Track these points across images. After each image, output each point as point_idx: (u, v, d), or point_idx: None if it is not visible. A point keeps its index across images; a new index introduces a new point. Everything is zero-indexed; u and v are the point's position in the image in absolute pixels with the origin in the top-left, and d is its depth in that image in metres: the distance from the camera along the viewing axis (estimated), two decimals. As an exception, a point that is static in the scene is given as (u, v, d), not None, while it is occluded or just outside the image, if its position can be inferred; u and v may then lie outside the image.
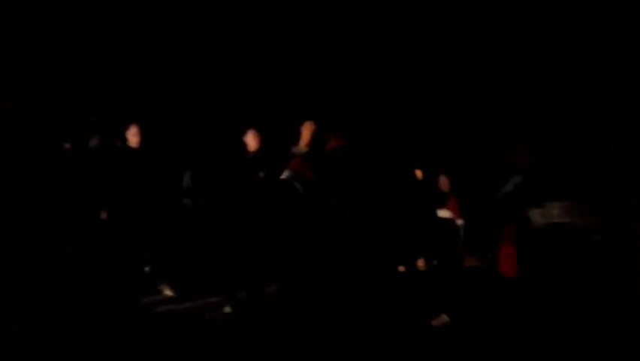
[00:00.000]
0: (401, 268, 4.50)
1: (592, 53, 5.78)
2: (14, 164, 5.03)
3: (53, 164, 5.11)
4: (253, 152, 4.70)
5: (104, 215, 4.66)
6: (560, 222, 4.32)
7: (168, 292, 4.60)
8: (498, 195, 4.40)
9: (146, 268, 4.72)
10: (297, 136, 4.50)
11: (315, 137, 4.40)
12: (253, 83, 6.29)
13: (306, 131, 4.39)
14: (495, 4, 6.18)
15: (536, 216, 4.37)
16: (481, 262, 4.42)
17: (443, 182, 4.81)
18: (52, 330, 3.69)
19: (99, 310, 4.00)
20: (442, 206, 4.78)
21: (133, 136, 4.80)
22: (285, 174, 4.33)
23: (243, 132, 4.78)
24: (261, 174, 4.54)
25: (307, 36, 6.33)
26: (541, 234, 4.33)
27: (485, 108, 6.44)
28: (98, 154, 4.97)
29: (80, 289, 4.30)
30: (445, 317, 4.09)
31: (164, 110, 5.97)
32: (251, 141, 4.71)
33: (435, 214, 4.62)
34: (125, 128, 4.81)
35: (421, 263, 4.46)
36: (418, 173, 4.61)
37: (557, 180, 4.37)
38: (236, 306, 4.30)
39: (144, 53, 6.14)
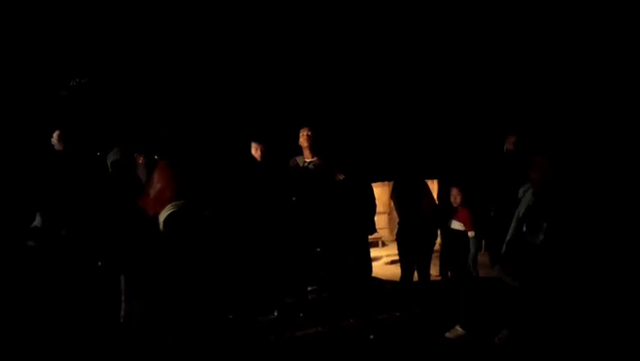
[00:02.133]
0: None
1: (591, 53, 5.81)
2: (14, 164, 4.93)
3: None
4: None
5: None
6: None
7: None
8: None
9: None
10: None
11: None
12: (250, 84, 6.24)
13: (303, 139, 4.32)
14: (494, 4, 6.21)
15: None
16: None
17: (455, 194, 4.84)
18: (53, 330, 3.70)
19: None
20: (454, 218, 4.82)
21: None
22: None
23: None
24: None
25: (307, 39, 6.29)
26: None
27: (485, 108, 6.48)
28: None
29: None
30: (459, 330, 4.14)
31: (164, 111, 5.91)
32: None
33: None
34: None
35: (434, 273, 4.49)
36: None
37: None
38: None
39: (145, 55, 6.06)
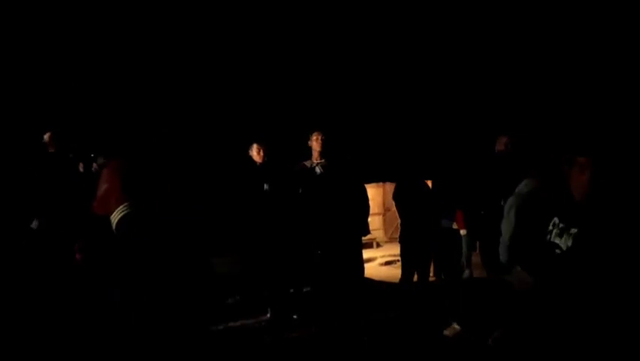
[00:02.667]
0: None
1: (591, 53, 5.83)
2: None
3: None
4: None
5: None
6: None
7: None
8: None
9: None
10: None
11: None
12: (248, 87, 6.24)
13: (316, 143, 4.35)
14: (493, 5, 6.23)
15: None
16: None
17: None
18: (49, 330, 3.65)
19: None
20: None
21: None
22: None
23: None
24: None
25: (307, 42, 6.31)
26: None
27: (485, 108, 6.48)
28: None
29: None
30: (456, 327, 4.13)
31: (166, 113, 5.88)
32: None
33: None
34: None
35: (430, 274, 4.48)
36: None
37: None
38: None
39: (146, 58, 6.04)
